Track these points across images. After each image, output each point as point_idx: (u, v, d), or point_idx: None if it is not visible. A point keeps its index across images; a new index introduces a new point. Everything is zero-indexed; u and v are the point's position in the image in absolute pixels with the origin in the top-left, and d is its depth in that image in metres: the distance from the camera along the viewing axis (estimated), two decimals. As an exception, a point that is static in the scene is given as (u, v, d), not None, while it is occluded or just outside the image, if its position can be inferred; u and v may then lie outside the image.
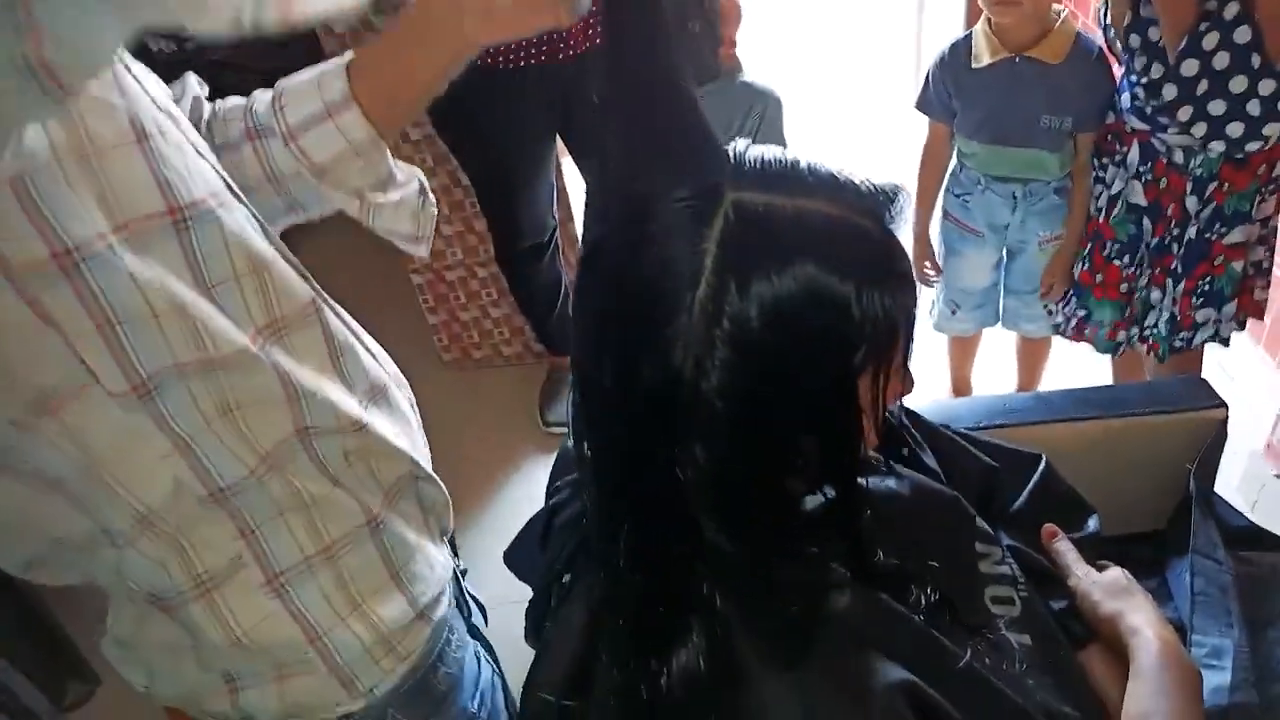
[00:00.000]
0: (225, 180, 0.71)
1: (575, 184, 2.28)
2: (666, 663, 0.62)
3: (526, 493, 2.20)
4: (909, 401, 1.01)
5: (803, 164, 0.59)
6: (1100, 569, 0.92)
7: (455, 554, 0.97)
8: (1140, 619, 0.85)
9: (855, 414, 0.62)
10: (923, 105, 1.85)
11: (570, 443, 0.78)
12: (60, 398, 0.61)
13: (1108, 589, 0.89)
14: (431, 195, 0.87)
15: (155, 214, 0.64)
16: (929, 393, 2.24)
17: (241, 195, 0.72)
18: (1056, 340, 2.07)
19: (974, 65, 1.72)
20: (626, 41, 0.60)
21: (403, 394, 0.89)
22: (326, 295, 0.79)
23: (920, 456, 0.94)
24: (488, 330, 2.57)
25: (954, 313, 2.04)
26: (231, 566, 0.72)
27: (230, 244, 0.68)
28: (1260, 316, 1.70)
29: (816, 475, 0.65)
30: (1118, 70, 1.65)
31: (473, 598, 1.01)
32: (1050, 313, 1.94)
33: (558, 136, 2.02)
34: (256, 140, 0.79)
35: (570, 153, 2.09)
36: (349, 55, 0.78)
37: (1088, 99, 1.66)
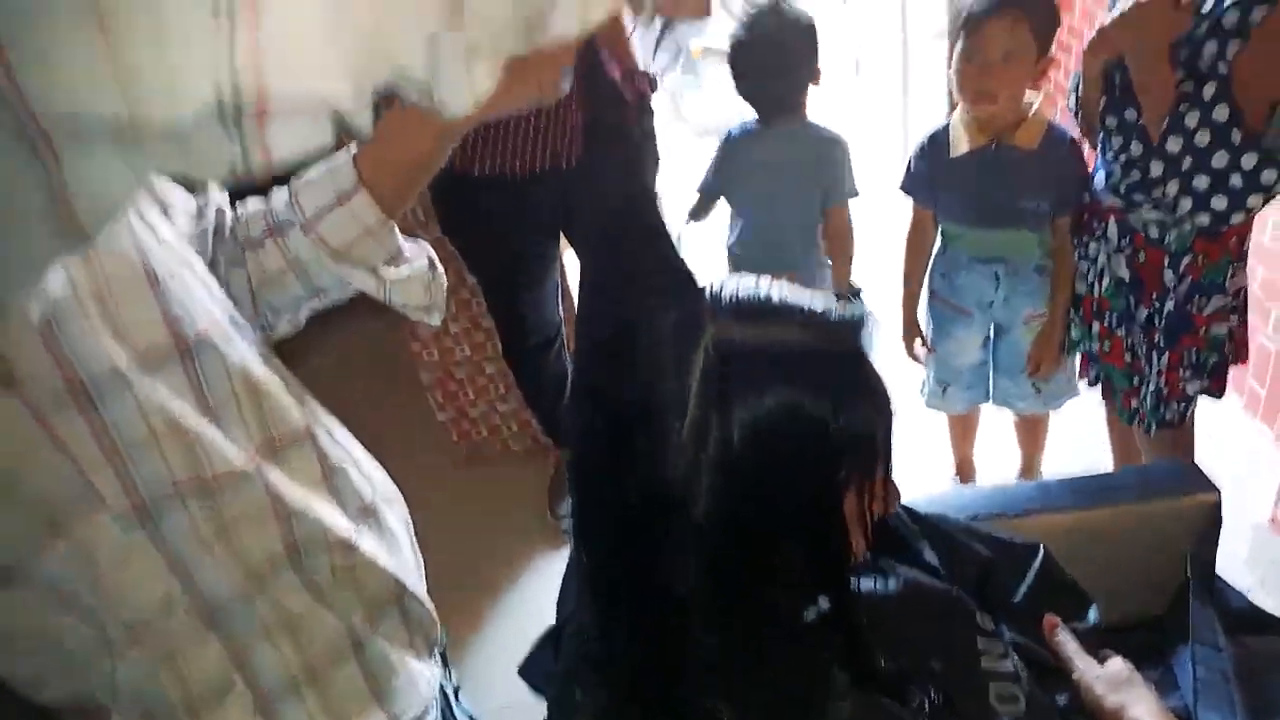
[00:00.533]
0: (230, 313, 0.77)
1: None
2: None
3: (540, 586, 2.21)
4: (906, 494, 1.05)
5: (775, 296, 0.64)
6: (1102, 660, 0.94)
7: (446, 665, 0.99)
8: (1143, 711, 0.86)
9: (841, 529, 0.65)
10: (906, 189, 1.93)
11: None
12: (71, 517, 0.66)
13: (1110, 682, 0.90)
14: (440, 267, 0.93)
15: (163, 346, 0.70)
16: (933, 474, 2.26)
17: (245, 322, 0.78)
18: (1057, 417, 2.10)
19: (953, 153, 1.80)
20: (603, 179, 0.66)
21: (394, 512, 0.93)
22: (323, 413, 0.84)
23: (919, 552, 0.97)
24: (496, 425, 2.61)
25: (944, 391, 2.08)
26: (222, 687, 0.75)
27: (231, 370, 0.74)
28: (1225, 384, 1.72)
29: (809, 588, 0.68)
30: (1089, 153, 1.72)
31: (469, 715, 1.04)
32: (1064, 379, 1.98)
33: (561, 235, 2.09)
34: (277, 235, 0.85)
35: (571, 246, 2.16)
36: (354, 147, 0.84)
37: (1063, 182, 1.74)
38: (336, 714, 0.80)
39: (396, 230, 0.87)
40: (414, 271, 0.88)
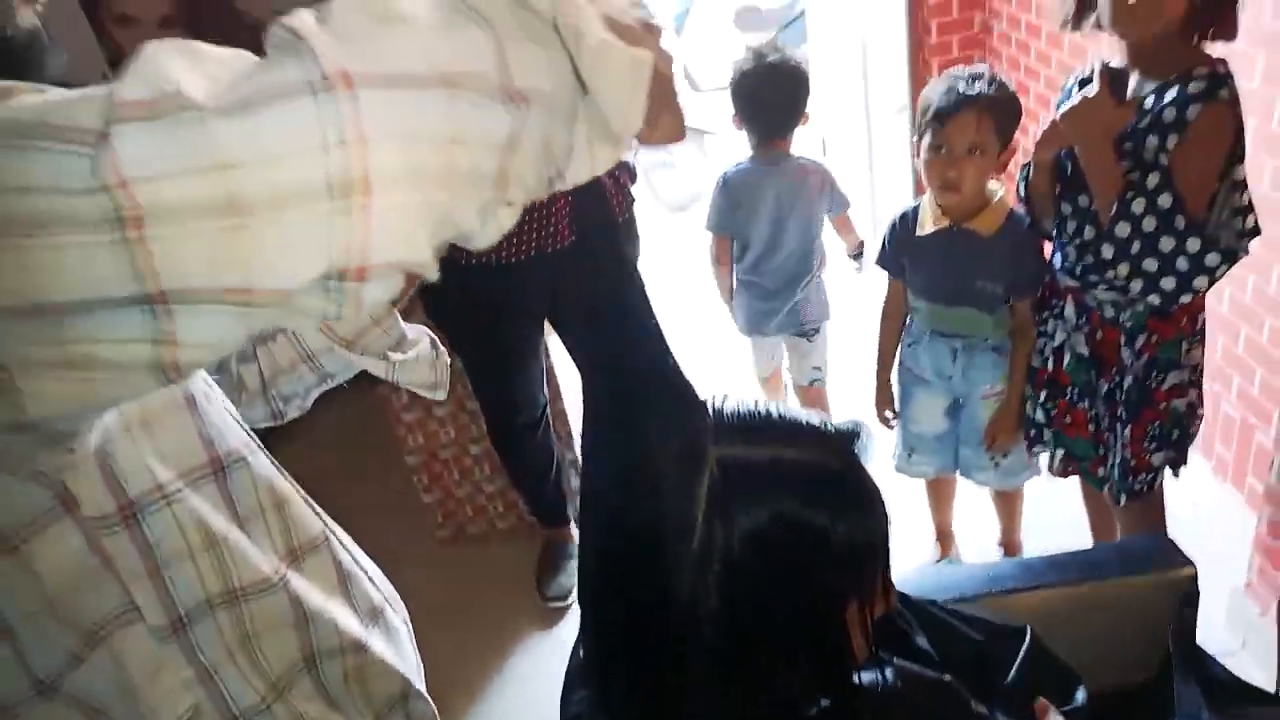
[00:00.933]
0: (248, 432, 0.82)
1: (562, 362, 2.38)
2: None
3: (529, 668, 2.20)
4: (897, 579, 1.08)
5: (774, 414, 0.69)
6: (1092, 740, 0.97)
7: None
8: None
9: (842, 633, 0.69)
10: (880, 263, 2.02)
11: (580, 653, 0.84)
12: (110, 631, 0.69)
13: (1102, 763, 0.94)
14: (442, 347, 0.99)
15: (201, 465, 0.74)
16: (916, 544, 2.30)
17: (261, 446, 0.82)
18: (1034, 488, 2.15)
19: (919, 233, 1.89)
20: (594, 271, 0.71)
21: (397, 613, 0.96)
22: (329, 519, 0.89)
23: (913, 639, 1.00)
24: (482, 506, 2.62)
25: (910, 455, 2.14)
26: None
27: (258, 483, 0.79)
28: (1187, 456, 1.78)
29: (811, 688, 0.71)
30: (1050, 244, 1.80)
31: None
32: (1030, 457, 2.02)
33: (546, 319, 2.14)
34: (288, 330, 0.91)
35: (556, 329, 2.20)
36: None
37: (1018, 267, 1.82)
38: None
39: (399, 319, 0.92)
40: (419, 354, 0.94)
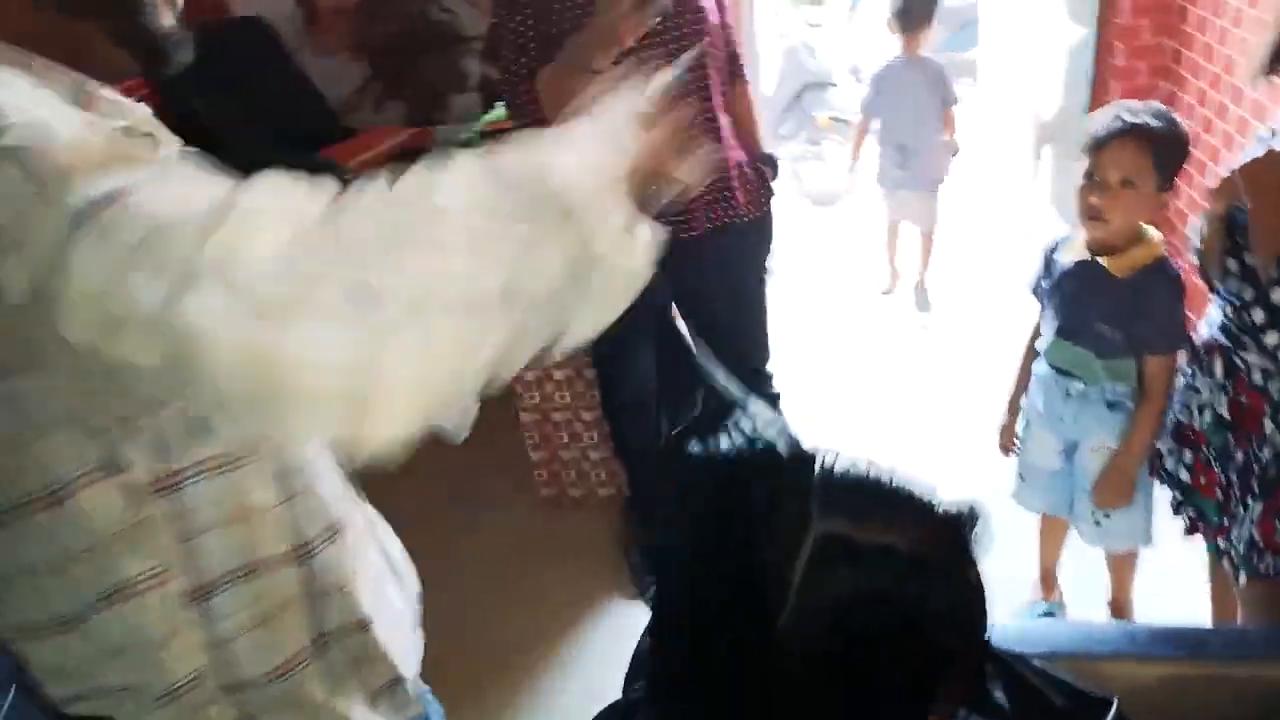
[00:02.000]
0: None
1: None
2: None
3: (607, 631, 2.26)
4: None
5: (884, 486, 0.66)
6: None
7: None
8: None
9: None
10: (1031, 287, 1.95)
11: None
12: (139, 590, 0.74)
13: None
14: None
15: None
16: (1020, 582, 2.23)
17: None
18: (1154, 555, 2.05)
19: (1059, 259, 1.82)
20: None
21: (405, 586, 1.01)
22: (357, 490, 0.94)
23: (990, 693, 0.97)
24: (585, 472, 2.67)
25: (1022, 480, 2.07)
26: None
27: (304, 460, 0.83)
28: None
29: None
30: (1211, 298, 1.70)
31: None
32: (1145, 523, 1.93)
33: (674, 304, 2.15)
34: None
35: (683, 318, 2.21)
36: None
37: (1145, 318, 1.72)
38: None
39: None
40: None
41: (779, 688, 0.64)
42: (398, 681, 0.94)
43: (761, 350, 2.22)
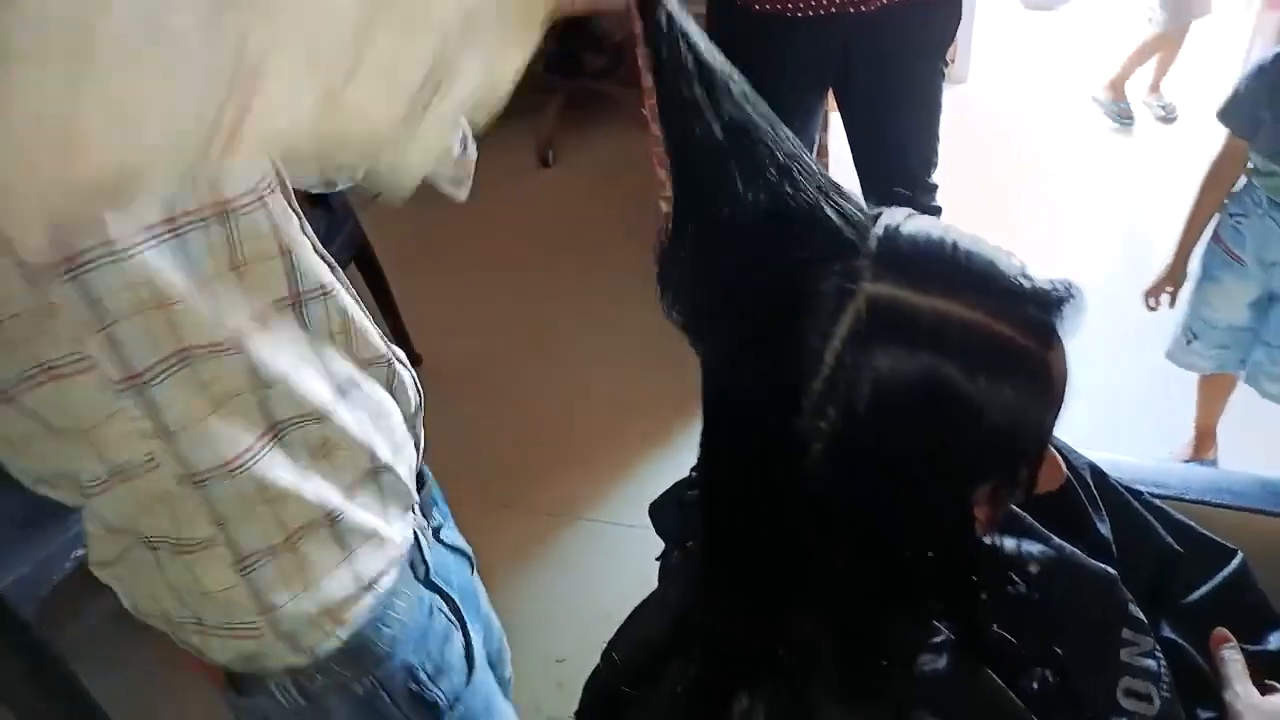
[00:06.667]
0: (277, 169, 0.78)
1: (839, 140, 2.23)
2: (732, 704, 0.63)
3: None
4: (1100, 458, 0.96)
5: (960, 251, 0.55)
6: (1267, 691, 0.85)
7: (425, 515, 1.03)
8: (1292, 759, 0.78)
9: (967, 523, 0.59)
10: (1225, 116, 1.68)
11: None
12: (61, 372, 0.71)
13: (1266, 717, 0.82)
14: (472, 143, 0.93)
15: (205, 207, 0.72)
16: (1166, 440, 2.06)
17: (289, 186, 0.80)
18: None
19: None
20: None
21: (405, 369, 0.95)
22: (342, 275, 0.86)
23: (1094, 524, 0.89)
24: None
25: (1189, 343, 1.87)
26: (206, 543, 0.81)
27: (258, 231, 0.76)
28: None
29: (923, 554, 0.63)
30: None
31: (452, 548, 1.08)
32: None
33: (829, 91, 1.98)
34: None
35: (839, 105, 2.04)
36: None
37: None
38: (306, 575, 0.86)
39: None
40: (449, 144, 0.88)
41: (802, 500, 0.57)
42: (378, 469, 0.90)
43: (929, 154, 2.04)
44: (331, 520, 0.86)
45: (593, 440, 2.28)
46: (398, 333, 2.40)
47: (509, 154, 3.22)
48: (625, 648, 0.76)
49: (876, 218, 0.57)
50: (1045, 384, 0.56)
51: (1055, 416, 0.58)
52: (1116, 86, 3.26)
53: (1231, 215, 1.73)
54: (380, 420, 0.91)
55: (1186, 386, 2.03)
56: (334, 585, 0.88)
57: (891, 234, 0.56)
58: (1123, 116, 3.25)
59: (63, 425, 0.74)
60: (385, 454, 0.91)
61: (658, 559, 0.89)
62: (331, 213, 2.19)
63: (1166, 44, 3.10)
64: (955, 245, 0.56)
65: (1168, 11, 2.99)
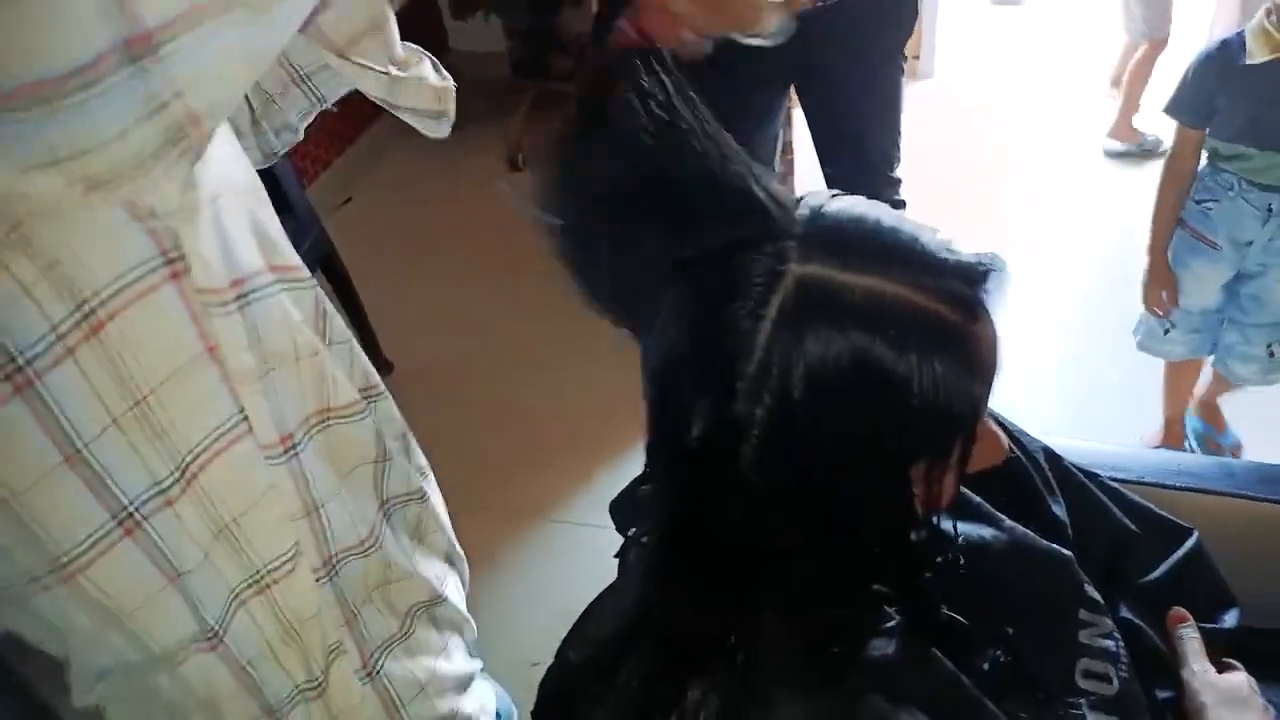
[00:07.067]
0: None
1: (803, 137, 2.24)
2: (685, 695, 0.63)
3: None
4: (1053, 441, 0.96)
5: (884, 228, 0.55)
6: (1223, 669, 0.85)
7: None
8: (1247, 738, 0.79)
9: (907, 503, 0.59)
10: (1175, 108, 1.70)
11: None
12: (217, 450, 0.64)
13: (1222, 694, 0.82)
14: (445, 73, 0.84)
15: (290, 266, 0.69)
16: (1134, 427, 2.08)
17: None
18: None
19: (1248, 62, 1.56)
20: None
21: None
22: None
23: (1047, 504, 0.89)
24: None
25: (1166, 333, 1.88)
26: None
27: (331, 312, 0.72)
28: None
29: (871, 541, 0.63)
30: None
31: None
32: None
33: (791, 88, 1.98)
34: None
35: (801, 103, 2.05)
36: None
37: None
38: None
39: (395, 28, 0.77)
40: (422, 74, 0.80)
41: (743, 487, 0.56)
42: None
43: (890, 148, 2.04)
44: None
45: (563, 442, 2.27)
46: (366, 338, 2.38)
47: (478, 157, 3.20)
48: (580, 645, 0.75)
49: (801, 200, 0.57)
50: (974, 358, 0.56)
51: (987, 390, 0.58)
52: (1124, 127, 3.04)
53: (1199, 202, 1.74)
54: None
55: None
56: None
57: (817, 214, 0.56)
58: (1152, 148, 2.99)
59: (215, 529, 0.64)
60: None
61: (615, 555, 0.89)
62: (296, 219, 2.17)
63: (1148, 59, 2.93)
64: (879, 222, 0.56)
65: (1149, 24, 2.85)
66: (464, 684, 0.88)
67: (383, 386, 0.79)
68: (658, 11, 0.63)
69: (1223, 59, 1.60)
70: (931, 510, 0.60)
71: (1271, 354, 1.77)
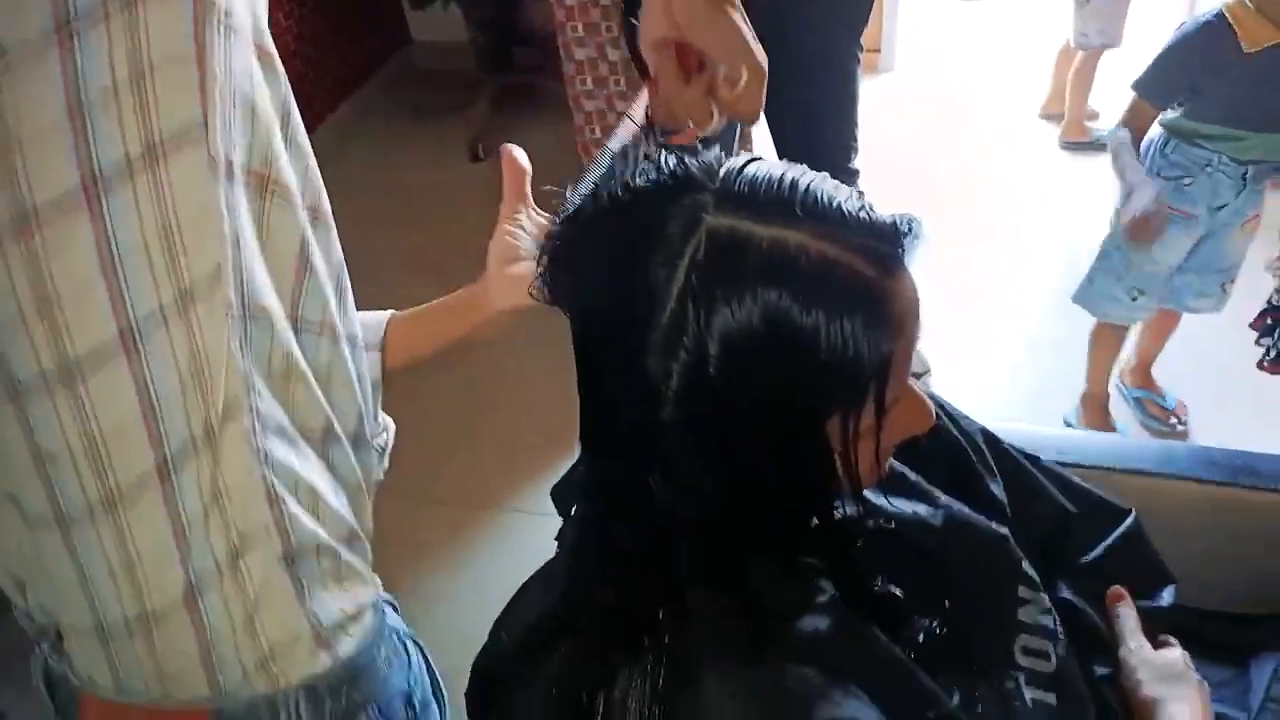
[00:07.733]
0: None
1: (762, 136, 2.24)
2: (615, 676, 0.63)
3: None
4: (996, 425, 0.96)
5: (799, 187, 0.55)
6: (1159, 646, 0.86)
7: None
8: (1181, 711, 0.80)
9: (826, 465, 0.58)
10: (1145, 88, 1.73)
11: None
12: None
13: (1158, 670, 0.83)
14: (388, 453, 0.90)
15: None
16: (1069, 398, 2.13)
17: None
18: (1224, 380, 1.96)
19: (1245, 49, 1.59)
20: None
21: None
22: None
23: (985, 484, 0.90)
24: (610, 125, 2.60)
25: (1135, 299, 1.93)
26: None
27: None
28: None
29: (792, 510, 0.63)
30: None
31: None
32: (1262, 346, 1.81)
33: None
34: None
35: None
36: (390, 311, 0.88)
37: None
38: None
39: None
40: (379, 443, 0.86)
41: (654, 420, 0.56)
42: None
43: (847, 139, 2.05)
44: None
45: (516, 432, 2.27)
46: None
47: (439, 148, 3.18)
48: (511, 626, 0.75)
49: (724, 160, 0.57)
50: (887, 313, 0.56)
51: (902, 347, 0.58)
52: (1076, 126, 3.07)
53: (1174, 179, 1.77)
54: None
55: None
56: None
57: (737, 170, 0.56)
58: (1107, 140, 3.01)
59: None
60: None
61: (555, 538, 0.89)
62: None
63: (1090, 63, 2.95)
64: (796, 181, 0.56)
65: (1104, 36, 2.85)
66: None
67: (331, 225, 0.76)
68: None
69: (1207, 43, 1.63)
70: (856, 481, 0.60)
71: (1224, 290, 1.92)
